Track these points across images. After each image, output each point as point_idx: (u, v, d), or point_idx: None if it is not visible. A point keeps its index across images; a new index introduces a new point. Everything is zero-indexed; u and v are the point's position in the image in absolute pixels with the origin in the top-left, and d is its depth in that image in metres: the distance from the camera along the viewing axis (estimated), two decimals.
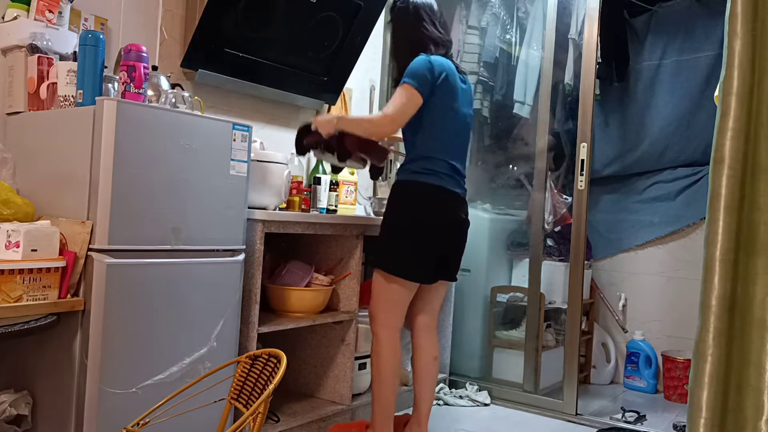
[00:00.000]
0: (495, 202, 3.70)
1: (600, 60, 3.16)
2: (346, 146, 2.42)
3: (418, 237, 2.30)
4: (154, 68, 2.25)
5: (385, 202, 2.44)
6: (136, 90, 1.91)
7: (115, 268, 1.79)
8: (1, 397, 1.85)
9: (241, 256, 2.15)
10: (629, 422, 3.04)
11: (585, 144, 3.05)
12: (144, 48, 1.94)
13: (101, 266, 1.77)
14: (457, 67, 2.41)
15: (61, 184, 1.89)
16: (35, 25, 2.06)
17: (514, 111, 3.52)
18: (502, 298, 3.53)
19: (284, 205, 2.63)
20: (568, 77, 3.42)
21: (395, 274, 2.31)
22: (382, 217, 2.41)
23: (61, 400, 1.81)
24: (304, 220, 2.42)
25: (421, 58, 2.29)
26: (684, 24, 3.71)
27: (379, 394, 2.34)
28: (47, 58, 2.03)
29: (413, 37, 2.40)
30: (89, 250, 1.77)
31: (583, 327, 3.38)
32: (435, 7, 2.47)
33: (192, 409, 1.48)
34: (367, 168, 2.53)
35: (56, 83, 1.98)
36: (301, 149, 2.47)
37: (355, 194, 3.14)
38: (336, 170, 2.63)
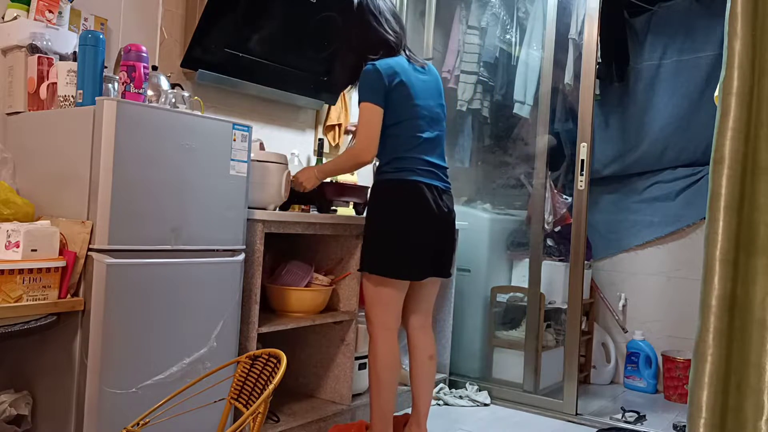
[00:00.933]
0: (495, 202, 3.69)
1: (600, 60, 3.16)
2: (326, 196, 2.57)
3: (399, 234, 2.29)
4: (154, 68, 2.25)
5: None
6: (136, 90, 1.91)
7: (115, 268, 1.79)
8: (1, 397, 1.85)
9: (241, 256, 2.15)
10: (629, 422, 3.04)
11: (585, 144, 3.05)
12: (144, 48, 1.94)
13: (101, 266, 1.77)
14: (410, 59, 2.38)
15: (61, 184, 1.89)
16: (35, 25, 2.06)
17: (514, 111, 3.52)
18: (502, 298, 3.53)
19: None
20: (568, 77, 3.42)
21: (381, 274, 2.31)
22: None
23: (61, 400, 1.81)
24: (303, 220, 2.42)
25: (368, 71, 2.28)
26: (684, 24, 3.71)
27: (378, 395, 2.34)
28: (47, 58, 2.03)
29: (362, 45, 2.37)
30: (89, 250, 1.77)
31: (583, 327, 3.38)
32: (378, 2, 2.38)
33: (192, 409, 1.48)
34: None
35: (56, 83, 1.98)
36: (284, 204, 2.54)
37: None
38: (326, 210, 2.67)
